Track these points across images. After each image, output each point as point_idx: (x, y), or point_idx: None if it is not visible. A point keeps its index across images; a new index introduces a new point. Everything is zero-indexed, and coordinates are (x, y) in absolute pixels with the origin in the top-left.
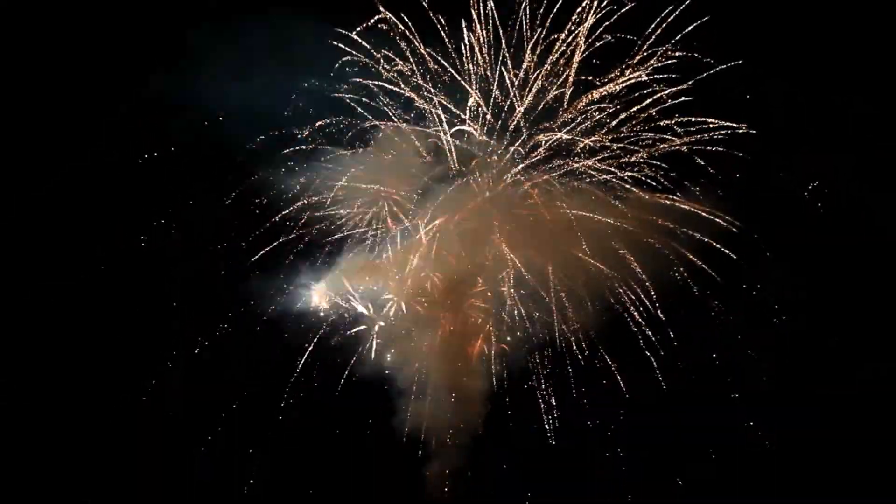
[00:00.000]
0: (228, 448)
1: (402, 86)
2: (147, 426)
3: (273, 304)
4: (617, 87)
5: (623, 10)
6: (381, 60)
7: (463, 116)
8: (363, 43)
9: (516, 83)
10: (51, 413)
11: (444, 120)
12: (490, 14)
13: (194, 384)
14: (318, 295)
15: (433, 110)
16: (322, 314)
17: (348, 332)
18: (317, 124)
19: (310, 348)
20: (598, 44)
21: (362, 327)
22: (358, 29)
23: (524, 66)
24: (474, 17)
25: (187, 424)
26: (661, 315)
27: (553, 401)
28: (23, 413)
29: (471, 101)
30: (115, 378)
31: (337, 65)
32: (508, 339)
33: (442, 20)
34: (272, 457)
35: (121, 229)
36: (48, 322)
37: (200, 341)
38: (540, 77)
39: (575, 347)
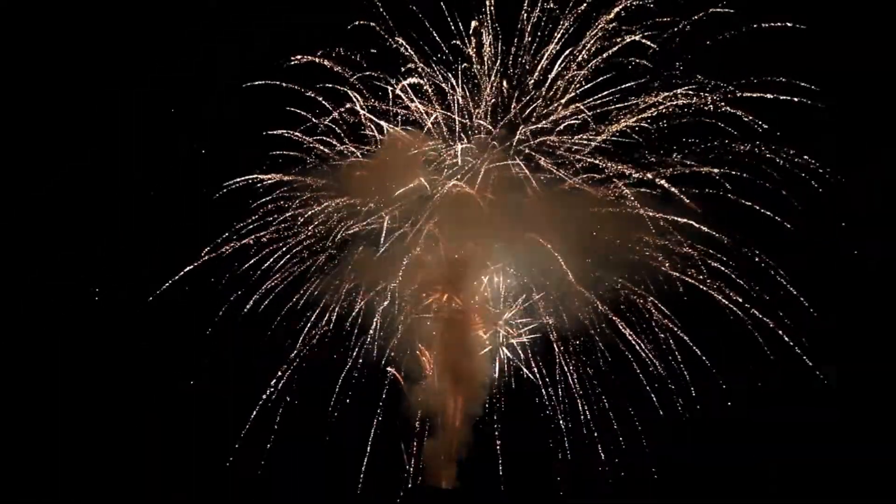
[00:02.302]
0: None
1: (407, 101)
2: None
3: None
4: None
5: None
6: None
7: (465, 122)
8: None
9: (517, 98)
10: (49, 413)
11: (446, 136)
12: (497, 32)
13: (199, 385)
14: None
15: (434, 124)
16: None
17: (354, 325)
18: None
19: (316, 341)
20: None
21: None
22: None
23: (533, 80)
24: (482, 30)
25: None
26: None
27: (551, 390)
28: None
29: (477, 115)
30: (117, 379)
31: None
32: (507, 327)
33: (445, 46)
34: (276, 448)
35: (123, 231)
36: (48, 322)
37: (205, 343)
38: (553, 93)
39: (571, 339)
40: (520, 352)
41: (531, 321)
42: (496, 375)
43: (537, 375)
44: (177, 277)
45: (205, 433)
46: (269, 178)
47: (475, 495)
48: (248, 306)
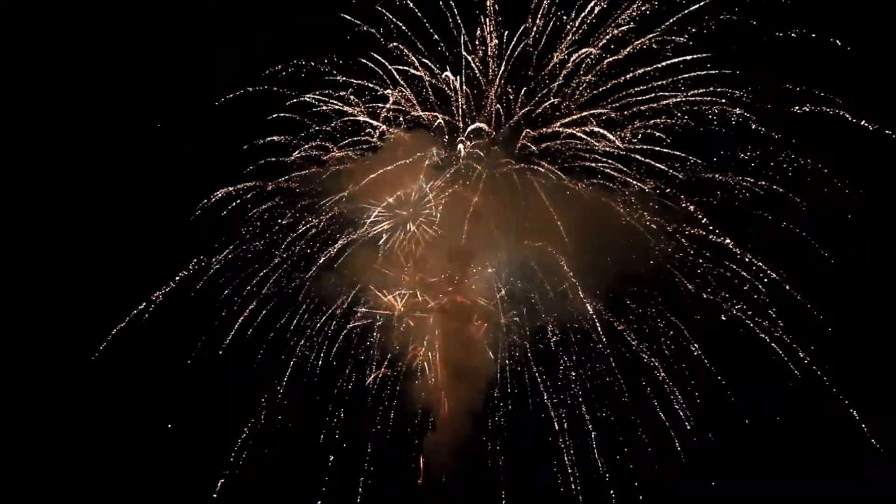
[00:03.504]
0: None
1: (408, 107)
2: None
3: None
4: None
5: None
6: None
7: (469, 125)
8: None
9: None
10: (47, 412)
11: (448, 139)
12: (502, 36)
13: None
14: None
15: (437, 127)
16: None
17: (358, 323)
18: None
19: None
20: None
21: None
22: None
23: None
24: (486, 34)
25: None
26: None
27: (552, 392)
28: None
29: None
30: (117, 378)
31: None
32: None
33: (448, 50)
34: (278, 445)
35: (124, 232)
36: (48, 322)
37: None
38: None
39: (574, 342)
40: (521, 353)
41: (532, 323)
42: (497, 374)
43: (538, 377)
44: (174, 283)
45: (204, 434)
46: (269, 184)
47: (475, 495)
48: (246, 312)
